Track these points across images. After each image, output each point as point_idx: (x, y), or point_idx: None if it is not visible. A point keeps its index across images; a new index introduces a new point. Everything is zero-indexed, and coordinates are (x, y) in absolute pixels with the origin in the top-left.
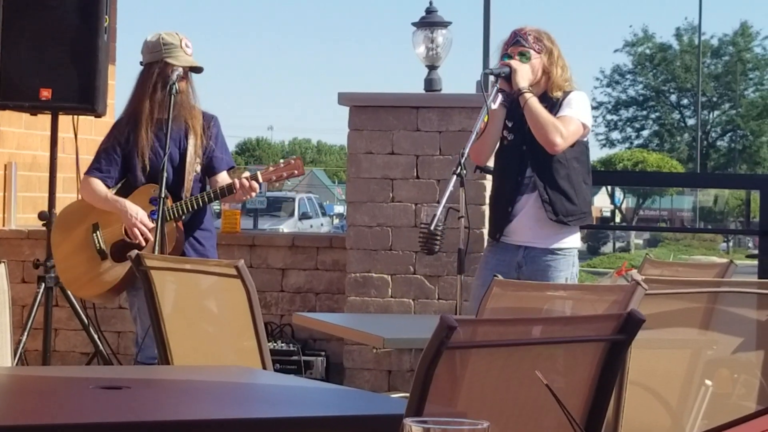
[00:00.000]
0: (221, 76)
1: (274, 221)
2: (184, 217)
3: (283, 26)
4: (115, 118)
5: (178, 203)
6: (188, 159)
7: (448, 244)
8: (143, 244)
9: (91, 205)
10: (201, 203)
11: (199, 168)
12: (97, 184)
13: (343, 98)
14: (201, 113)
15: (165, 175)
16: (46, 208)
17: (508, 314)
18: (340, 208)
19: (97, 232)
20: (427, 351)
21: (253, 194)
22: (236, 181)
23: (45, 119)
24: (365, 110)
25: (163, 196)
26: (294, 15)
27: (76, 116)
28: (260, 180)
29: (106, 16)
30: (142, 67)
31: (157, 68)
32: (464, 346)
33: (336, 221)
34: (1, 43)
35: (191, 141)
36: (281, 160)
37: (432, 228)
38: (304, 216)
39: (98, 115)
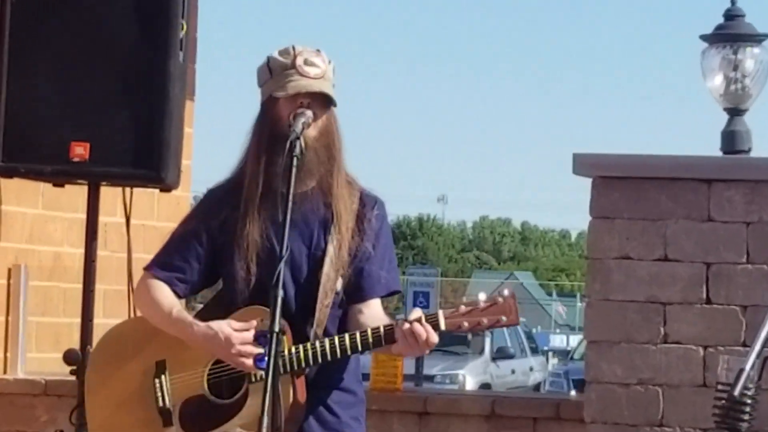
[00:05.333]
0: (367, 129)
1: (450, 362)
2: (307, 370)
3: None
4: (192, 194)
5: (301, 347)
6: (325, 269)
7: (761, 416)
8: (252, 371)
9: (153, 327)
10: (339, 352)
11: (340, 285)
12: (160, 289)
13: (583, 163)
14: (357, 191)
15: (280, 293)
16: (75, 344)
17: None
18: (559, 340)
19: (163, 377)
20: None
21: (427, 351)
22: (402, 325)
23: (76, 193)
24: (619, 183)
25: (277, 330)
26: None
27: (128, 189)
28: (443, 328)
29: (183, 21)
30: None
31: (266, 110)
32: None
33: (555, 362)
34: (8, 70)
35: (335, 237)
36: (482, 300)
37: (737, 392)
38: (500, 353)
39: (166, 188)
